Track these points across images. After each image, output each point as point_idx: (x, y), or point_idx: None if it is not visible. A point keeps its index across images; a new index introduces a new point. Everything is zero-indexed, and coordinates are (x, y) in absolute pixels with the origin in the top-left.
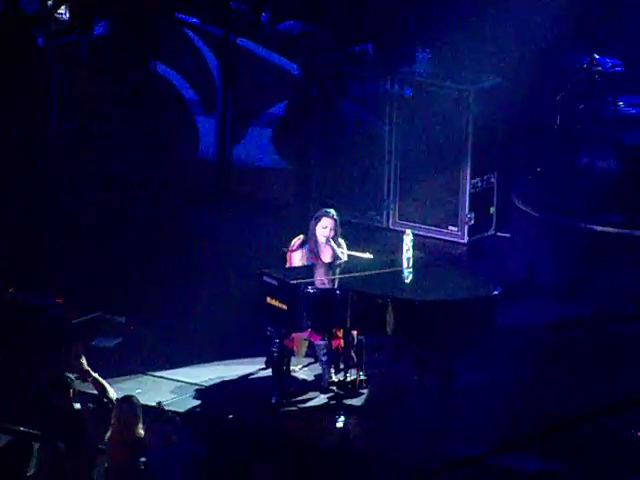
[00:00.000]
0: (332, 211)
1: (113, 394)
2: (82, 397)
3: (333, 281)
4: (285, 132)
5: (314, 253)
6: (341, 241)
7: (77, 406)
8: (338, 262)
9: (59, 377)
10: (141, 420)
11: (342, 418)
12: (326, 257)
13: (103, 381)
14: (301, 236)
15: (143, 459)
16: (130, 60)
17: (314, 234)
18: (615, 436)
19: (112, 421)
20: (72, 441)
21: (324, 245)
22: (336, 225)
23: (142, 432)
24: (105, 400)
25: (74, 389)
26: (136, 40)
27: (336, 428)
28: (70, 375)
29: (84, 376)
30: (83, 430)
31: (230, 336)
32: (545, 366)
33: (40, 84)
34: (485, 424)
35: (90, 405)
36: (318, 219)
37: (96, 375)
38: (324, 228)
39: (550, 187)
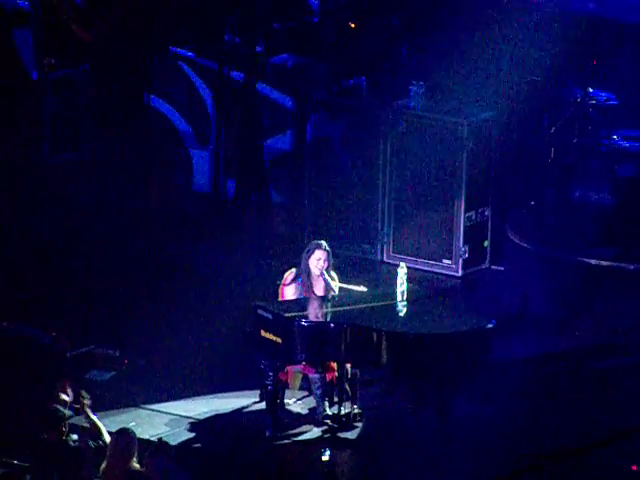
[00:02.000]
0: (324, 243)
1: (107, 437)
2: (77, 430)
3: (327, 314)
4: (280, 166)
5: (307, 286)
6: (333, 274)
7: (74, 437)
8: (332, 295)
9: (51, 411)
10: (136, 454)
11: (325, 453)
12: (319, 290)
13: (99, 423)
14: (293, 269)
15: None
16: (123, 92)
17: (307, 267)
18: (610, 469)
19: (107, 454)
20: (66, 474)
21: (317, 278)
22: (329, 257)
23: (137, 465)
24: (100, 442)
25: (66, 422)
26: (130, 73)
27: (330, 462)
28: (62, 409)
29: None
30: (78, 463)
31: (224, 369)
32: (539, 399)
33: (33, 116)
34: (479, 457)
35: (91, 443)
36: (311, 252)
37: (94, 417)
38: (318, 260)
39: (544, 220)
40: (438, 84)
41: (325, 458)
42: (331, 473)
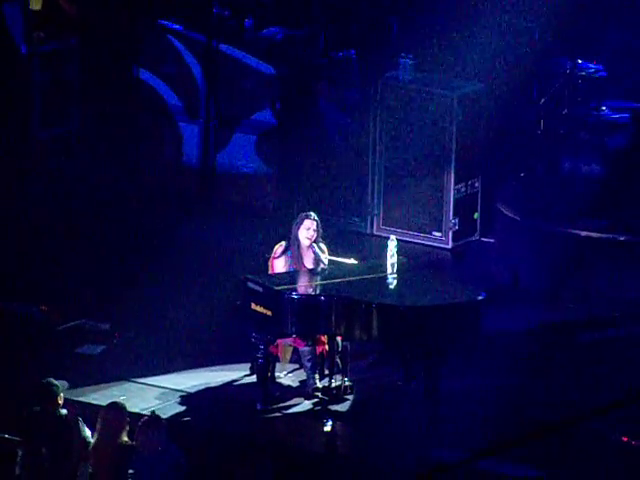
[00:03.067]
0: (312, 213)
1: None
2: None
3: (317, 287)
4: (269, 138)
5: (297, 259)
6: (323, 246)
7: (63, 412)
8: (322, 268)
9: (44, 384)
10: (127, 427)
11: (327, 423)
12: (309, 262)
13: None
14: (283, 243)
15: (131, 471)
16: (112, 66)
17: (297, 238)
18: (600, 440)
19: (97, 427)
20: (56, 447)
21: (307, 249)
22: (318, 226)
23: (127, 439)
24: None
25: (61, 395)
26: (119, 46)
27: (321, 434)
28: (56, 382)
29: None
30: (68, 436)
31: (214, 342)
32: (529, 371)
33: (22, 90)
34: (469, 429)
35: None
36: (300, 222)
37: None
38: (307, 230)
39: (534, 192)
40: (428, 56)
41: (327, 428)
42: (332, 443)
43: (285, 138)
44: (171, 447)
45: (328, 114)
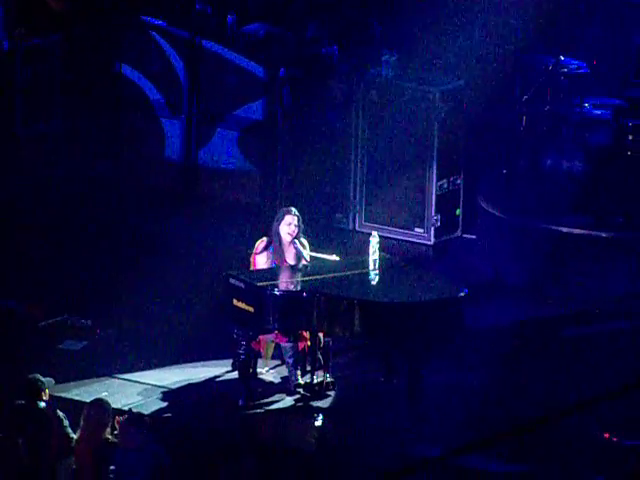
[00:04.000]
0: (293, 209)
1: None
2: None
3: (299, 283)
4: (251, 134)
5: (278, 254)
6: (304, 241)
7: (42, 405)
8: (304, 264)
9: (30, 379)
10: (110, 424)
11: (309, 420)
12: (290, 258)
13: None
14: (264, 238)
15: (112, 467)
16: (95, 62)
17: (278, 234)
18: (582, 436)
19: (81, 423)
20: (34, 440)
21: (288, 245)
22: (299, 221)
23: (109, 436)
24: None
25: (46, 391)
26: (101, 42)
27: (303, 430)
28: (42, 378)
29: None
30: (47, 430)
31: (196, 338)
32: (511, 367)
33: (4, 87)
34: (451, 425)
35: (59, 412)
36: (280, 218)
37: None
38: (288, 225)
39: (516, 189)
40: (410, 52)
41: (318, 423)
42: (314, 440)
43: (267, 135)
44: (152, 444)
45: (315, 115)
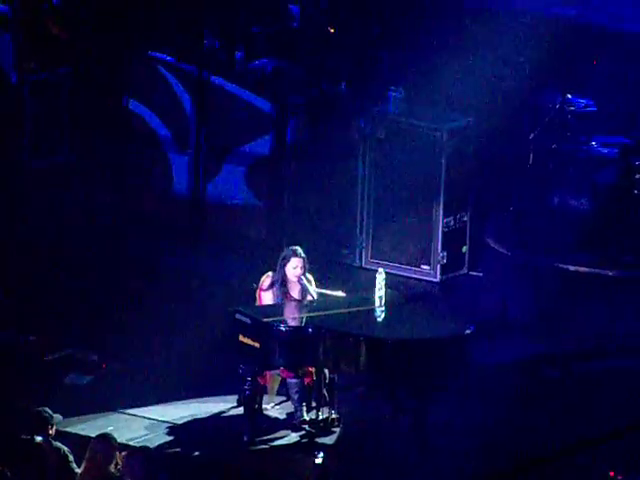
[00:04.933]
0: (299, 249)
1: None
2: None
3: (305, 319)
4: (258, 170)
5: (284, 291)
6: (310, 278)
7: (38, 439)
8: (310, 300)
9: (35, 413)
10: (115, 459)
11: (319, 456)
12: (296, 294)
13: (66, 449)
14: (270, 273)
15: None
16: (103, 96)
17: (284, 274)
18: (585, 474)
19: (86, 457)
20: (26, 474)
21: (294, 283)
22: (304, 263)
23: (114, 471)
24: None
25: (53, 425)
26: (109, 77)
27: (308, 466)
28: (49, 411)
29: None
30: (42, 465)
31: (202, 374)
32: (517, 404)
33: (13, 120)
34: (457, 462)
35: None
36: (286, 259)
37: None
38: (294, 268)
39: (522, 226)
40: (417, 90)
41: (318, 461)
42: (320, 476)
43: (274, 170)
44: (160, 476)
45: (323, 151)
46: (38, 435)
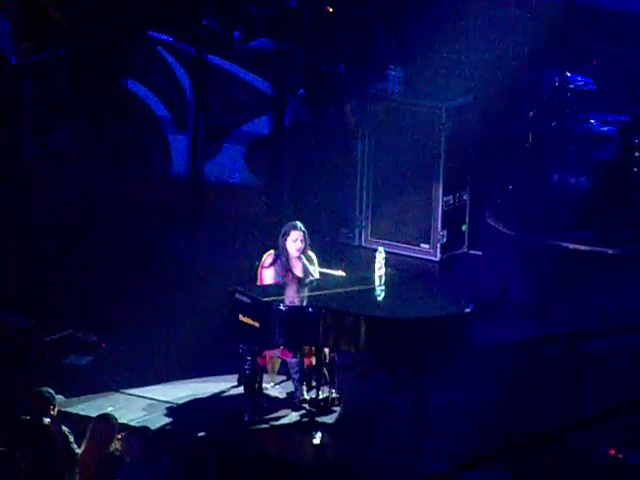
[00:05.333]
0: (299, 223)
1: (75, 447)
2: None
3: (305, 299)
4: (258, 149)
5: (286, 269)
6: (313, 256)
7: (46, 421)
8: (310, 279)
9: (36, 393)
10: (116, 439)
11: (314, 435)
12: (298, 271)
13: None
14: (272, 251)
15: None
16: (101, 77)
17: (285, 249)
18: (586, 453)
19: (86, 437)
20: (37, 455)
21: (296, 260)
22: (305, 237)
23: (115, 450)
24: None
25: (55, 405)
26: (108, 57)
27: (308, 445)
28: (51, 391)
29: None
30: (49, 446)
31: (202, 353)
32: (517, 383)
33: (12, 101)
34: (457, 441)
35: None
36: (287, 234)
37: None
38: (294, 242)
39: (522, 204)
40: (416, 69)
41: (316, 441)
42: (320, 455)
43: (273, 150)
44: (165, 458)
45: (322, 130)
46: (43, 416)
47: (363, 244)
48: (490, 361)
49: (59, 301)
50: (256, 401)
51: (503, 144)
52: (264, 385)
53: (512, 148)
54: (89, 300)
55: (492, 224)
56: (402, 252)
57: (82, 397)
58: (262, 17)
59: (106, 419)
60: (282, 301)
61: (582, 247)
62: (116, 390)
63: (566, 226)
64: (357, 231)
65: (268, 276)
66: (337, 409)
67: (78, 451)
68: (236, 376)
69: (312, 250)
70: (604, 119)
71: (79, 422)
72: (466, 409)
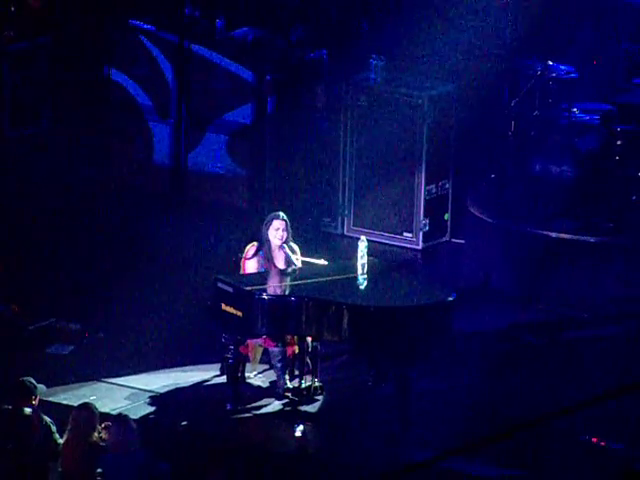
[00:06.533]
0: (281, 213)
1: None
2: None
3: (288, 288)
4: (240, 138)
5: (268, 259)
6: (295, 247)
7: (27, 411)
8: (293, 268)
9: (19, 382)
10: (97, 428)
11: (297, 424)
12: (280, 263)
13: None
14: (254, 243)
15: (99, 470)
16: (83, 65)
17: (267, 239)
18: (567, 440)
19: (68, 427)
20: (18, 445)
21: (278, 250)
22: (287, 227)
23: (97, 440)
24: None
25: (37, 395)
26: (90, 46)
27: (291, 434)
28: (33, 381)
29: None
30: (30, 436)
31: (184, 342)
32: (500, 372)
33: None
34: (440, 429)
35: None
36: (269, 223)
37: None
38: (276, 230)
39: (504, 193)
40: (398, 57)
41: (298, 434)
42: (303, 444)
43: (255, 139)
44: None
45: (305, 119)
46: (24, 406)
47: (345, 233)
48: (473, 349)
49: (41, 290)
50: (238, 390)
51: (485, 133)
52: (247, 374)
53: (494, 137)
54: (71, 288)
55: (475, 213)
56: (385, 241)
57: (64, 386)
58: (244, 5)
59: (87, 408)
60: (265, 290)
61: (565, 236)
62: (98, 379)
63: (549, 215)
64: (339, 220)
65: (251, 267)
66: (320, 398)
67: (60, 441)
68: (219, 365)
69: (295, 239)
70: (586, 108)
71: (61, 411)
72: (450, 397)
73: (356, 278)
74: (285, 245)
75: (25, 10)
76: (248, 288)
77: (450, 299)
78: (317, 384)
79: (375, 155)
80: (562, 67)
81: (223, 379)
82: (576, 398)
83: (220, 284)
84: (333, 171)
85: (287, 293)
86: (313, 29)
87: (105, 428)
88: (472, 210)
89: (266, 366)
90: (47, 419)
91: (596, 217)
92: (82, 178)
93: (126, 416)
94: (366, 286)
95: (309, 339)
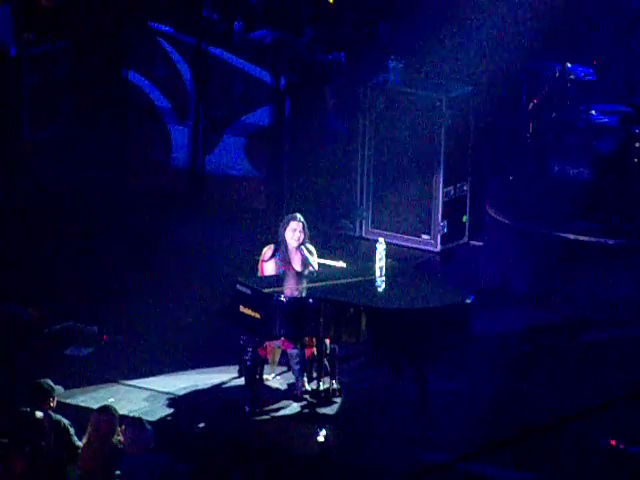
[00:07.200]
0: (298, 215)
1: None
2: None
3: (306, 290)
4: (258, 140)
5: (286, 261)
6: (312, 248)
7: (39, 415)
8: (311, 270)
9: (36, 385)
10: (117, 430)
11: (315, 426)
12: (297, 264)
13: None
14: (272, 245)
15: (118, 472)
16: (102, 68)
17: (284, 240)
18: (586, 443)
19: (88, 430)
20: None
21: (295, 252)
22: (304, 228)
23: (117, 443)
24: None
25: (54, 397)
26: (108, 48)
27: (309, 436)
28: (51, 383)
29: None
30: (41, 440)
31: (203, 344)
32: (517, 373)
33: (12, 92)
34: (458, 431)
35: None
36: (286, 224)
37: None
38: (293, 232)
39: (523, 195)
40: (416, 59)
41: (316, 436)
42: (321, 446)
43: (274, 141)
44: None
45: (323, 121)
46: (39, 409)
47: (363, 235)
48: (491, 351)
49: (60, 292)
50: (257, 392)
51: (503, 135)
52: (265, 376)
53: (512, 139)
54: (90, 291)
55: (493, 215)
56: (402, 243)
57: (82, 388)
58: (262, 8)
59: (107, 411)
60: (283, 292)
61: (582, 238)
62: (116, 381)
63: (567, 217)
64: (357, 222)
65: (268, 269)
66: (338, 400)
67: (79, 444)
68: (237, 367)
69: (312, 241)
70: (604, 110)
71: (79, 413)
72: (468, 399)
73: (374, 280)
74: (303, 247)
75: (45, 13)
76: (266, 290)
77: (468, 301)
78: (335, 386)
79: (393, 157)
80: (580, 69)
81: (241, 381)
82: (594, 401)
83: (239, 286)
84: (351, 173)
85: (305, 295)
86: (331, 31)
87: (122, 430)
88: (490, 212)
89: (284, 368)
90: (65, 421)
91: (614, 219)
92: (100, 180)
93: (139, 418)
94: (384, 288)
95: (327, 341)
